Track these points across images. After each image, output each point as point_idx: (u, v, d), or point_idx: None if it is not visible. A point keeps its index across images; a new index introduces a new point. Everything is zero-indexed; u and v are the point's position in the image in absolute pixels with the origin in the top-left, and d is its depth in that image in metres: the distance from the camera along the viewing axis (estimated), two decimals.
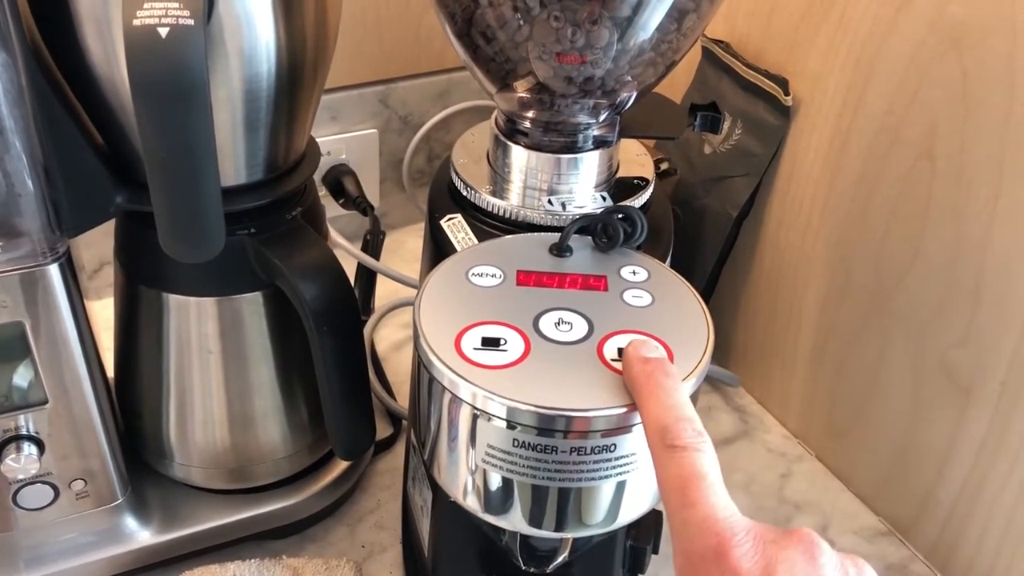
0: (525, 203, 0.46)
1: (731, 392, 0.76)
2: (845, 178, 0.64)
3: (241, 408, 0.58)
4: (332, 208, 0.86)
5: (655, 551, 0.55)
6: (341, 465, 0.65)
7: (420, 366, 0.39)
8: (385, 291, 0.83)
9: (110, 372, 0.58)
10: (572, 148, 0.45)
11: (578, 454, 0.36)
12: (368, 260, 0.79)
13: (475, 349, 0.37)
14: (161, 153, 0.41)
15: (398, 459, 0.70)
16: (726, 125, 0.68)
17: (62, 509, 0.55)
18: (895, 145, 0.59)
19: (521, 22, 0.41)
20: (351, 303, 0.54)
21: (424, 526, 0.55)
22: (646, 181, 0.48)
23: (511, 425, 0.36)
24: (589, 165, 0.46)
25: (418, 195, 0.93)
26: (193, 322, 0.55)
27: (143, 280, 0.55)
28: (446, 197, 0.48)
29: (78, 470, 0.54)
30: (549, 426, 0.35)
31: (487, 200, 0.46)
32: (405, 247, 0.93)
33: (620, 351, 0.38)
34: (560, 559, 0.47)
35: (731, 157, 0.69)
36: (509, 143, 0.46)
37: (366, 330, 0.79)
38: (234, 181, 0.51)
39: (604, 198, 0.46)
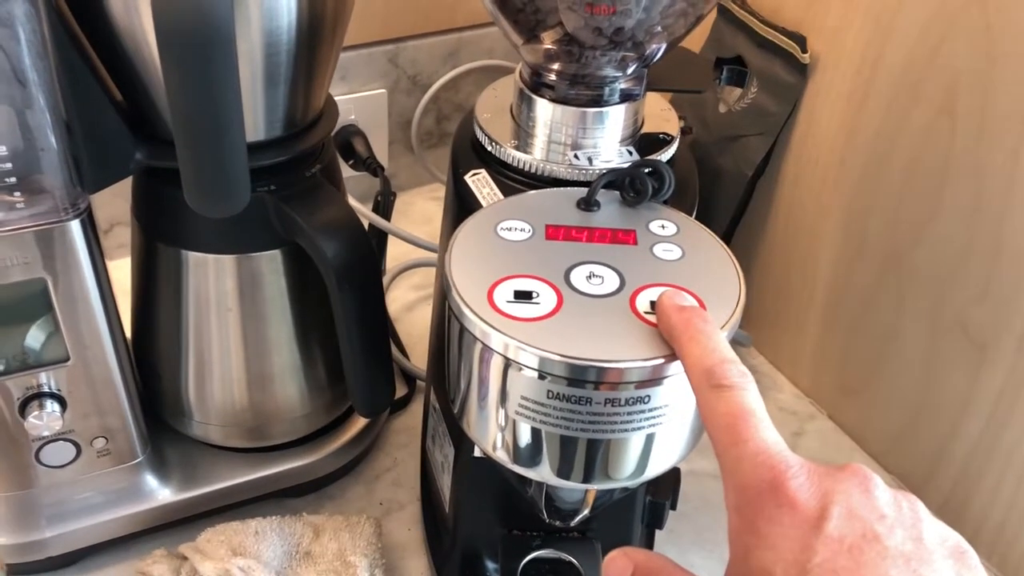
0: (550, 157, 0.46)
1: (743, 352, 0.76)
2: (862, 136, 0.63)
3: (259, 366, 0.58)
4: (342, 170, 0.85)
5: (673, 507, 0.56)
6: (358, 424, 0.65)
7: (450, 320, 0.39)
8: (396, 253, 0.83)
9: (127, 333, 0.58)
10: (598, 102, 0.45)
11: (612, 405, 0.36)
12: (379, 221, 0.79)
13: (508, 302, 0.37)
14: (187, 105, 0.41)
15: (413, 418, 0.70)
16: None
17: (83, 467, 0.55)
18: (915, 102, 0.59)
19: None
20: (372, 260, 0.54)
21: (445, 482, 0.55)
22: (671, 136, 0.47)
23: (546, 376, 0.36)
24: (615, 119, 0.46)
25: (427, 156, 0.93)
26: (212, 280, 0.55)
27: (161, 237, 0.54)
28: (469, 152, 0.48)
29: (99, 428, 0.55)
30: (584, 377, 0.35)
31: (512, 155, 0.46)
32: (414, 208, 0.93)
33: (653, 304, 0.38)
34: (583, 514, 0.48)
35: (746, 116, 0.69)
36: (534, 97, 0.46)
37: None
38: (253, 137, 0.51)
39: (630, 152, 0.46)
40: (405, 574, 0.59)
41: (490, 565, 0.56)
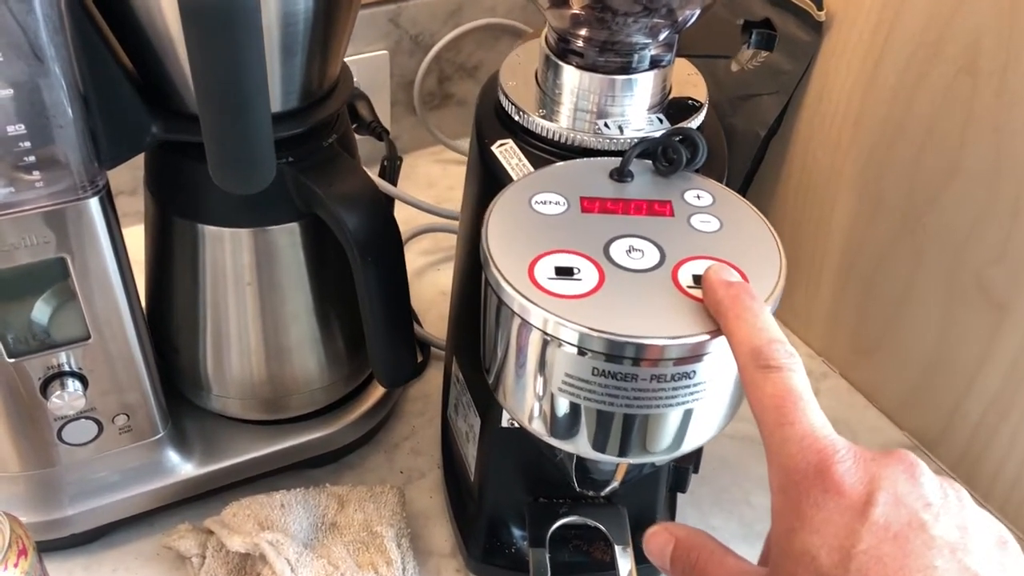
0: (578, 126, 0.45)
1: None
2: (879, 96, 0.63)
3: (277, 339, 0.57)
4: None
5: (695, 471, 0.56)
6: (376, 393, 0.65)
7: (487, 294, 0.39)
8: (402, 218, 0.81)
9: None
10: (627, 69, 0.44)
11: (658, 381, 0.36)
12: (386, 186, 0.78)
13: (550, 279, 0.37)
14: (213, 82, 0.40)
15: (428, 385, 0.70)
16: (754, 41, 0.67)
17: (105, 444, 0.55)
18: (933, 61, 0.59)
19: None
20: (394, 231, 0.53)
21: (470, 451, 0.55)
22: (700, 103, 0.47)
23: (588, 353, 0.35)
24: (644, 86, 0.45)
25: (430, 118, 0.91)
26: (229, 254, 0.54)
27: (177, 211, 0.53)
28: (494, 121, 0.47)
29: (120, 405, 0.54)
30: (633, 355, 0.35)
31: (540, 124, 0.45)
32: (418, 171, 0.92)
33: (695, 278, 0.37)
34: (613, 485, 0.48)
35: (759, 75, 0.68)
36: (561, 63, 0.45)
37: None
38: (275, 109, 0.50)
39: (660, 120, 0.45)
40: (429, 541, 0.59)
41: (516, 532, 0.56)
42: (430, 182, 0.90)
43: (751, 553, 0.36)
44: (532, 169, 0.44)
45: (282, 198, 0.52)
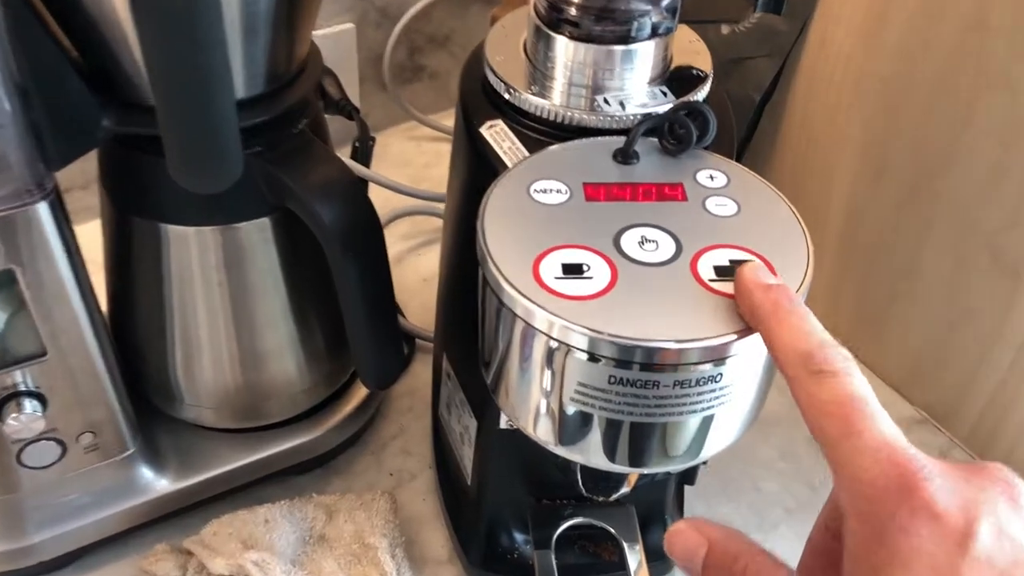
0: (574, 103, 0.41)
1: None
2: (882, 54, 0.59)
3: (252, 343, 0.53)
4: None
5: (704, 462, 0.53)
6: (361, 393, 0.61)
7: (486, 293, 0.35)
8: (377, 200, 0.77)
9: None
10: (626, 38, 0.40)
11: (681, 387, 0.33)
12: (360, 169, 0.73)
13: (557, 278, 0.33)
14: (168, 68, 0.35)
15: (415, 379, 0.66)
16: None
17: (70, 464, 0.51)
18: (940, 17, 0.55)
19: None
20: (374, 222, 0.49)
21: (466, 453, 0.52)
22: (705, 73, 0.43)
23: (602, 360, 0.32)
24: (645, 57, 0.41)
25: (401, 93, 0.87)
26: (195, 254, 0.49)
27: (135, 210, 0.49)
28: (481, 99, 0.43)
29: (85, 423, 0.50)
30: (656, 360, 0.31)
31: (533, 102, 0.41)
32: (391, 150, 0.87)
33: (717, 270, 0.34)
34: (623, 491, 0.45)
35: (752, 36, 0.64)
36: (553, 34, 0.41)
37: None
38: (239, 95, 0.45)
39: (664, 93, 0.41)
40: (425, 548, 0.56)
41: (518, 536, 0.53)
42: (405, 160, 0.86)
43: (764, 545, 0.32)
44: (526, 152, 0.40)
45: (251, 192, 0.48)
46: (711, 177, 0.38)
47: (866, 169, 0.63)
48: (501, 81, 0.42)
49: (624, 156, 0.39)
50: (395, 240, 0.77)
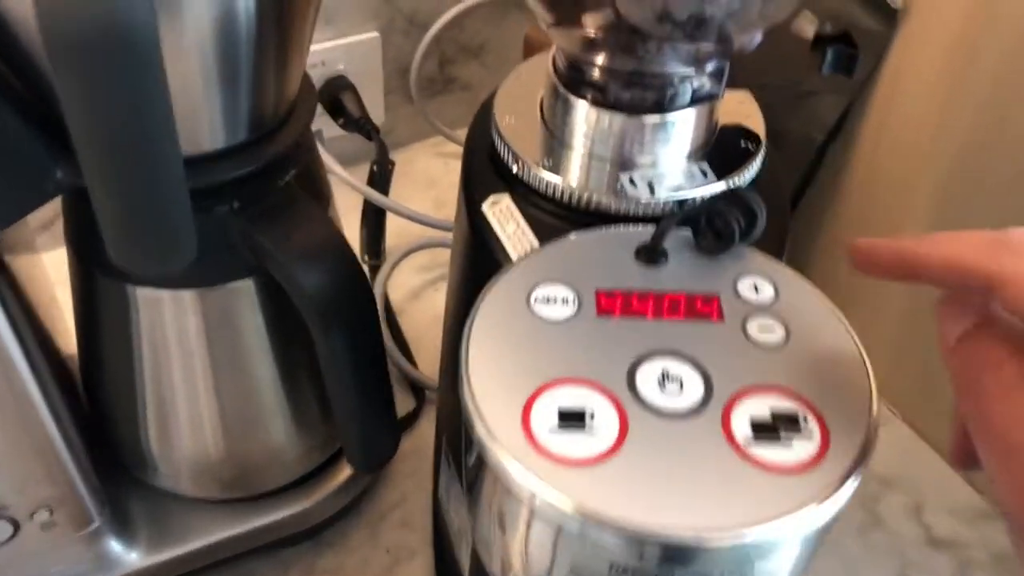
0: (594, 182, 0.34)
1: None
2: (967, 100, 0.51)
3: (236, 413, 0.47)
4: (330, 128, 0.73)
5: None
6: None
7: (469, 437, 0.29)
8: (396, 227, 0.71)
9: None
10: (661, 106, 0.33)
11: None
12: (376, 196, 0.67)
13: (551, 431, 0.26)
14: (96, 134, 0.29)
15: (421, 439, 0.60)
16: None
17: (25, 544, 0.46)
18: None
19: None
20: (364, 291, 0.42)
21: (464, 552, 0.46)
22: (756, 141, 0.35)
23: (611, 549, 0.25)
24: (684, 128, 0.34)
25: (429, 106, 0.80)
26: (169, 319, 0.44)
27: (103, 269, 0.43)
28: (487, 168, 0.36)
29: (39, 499, 0.45)
30: (668, 554, 0.25)
31: (544, 179, 0.34)
32: (415, 168, 0.81)
33: (755, 427, 0.27)
34: None
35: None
36: (572, 97, 0.34)
37: (379, 281, 0.68)
38: (210, 147, 0.39)
39: (704, 173, 0.34)
40: None
41: None
42: (430, 180, 0.80)
43: None
44: (533, 239, 0.33)
45: (231, 250, 0.42)
46: (755, 287, 0.31)
47: (941, 228, 0.55)
48: (509, 149, 0.35)
49: (649, 255, 0.32)
50: (412, 273, 0.71)
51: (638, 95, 0.33)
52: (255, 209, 0.41)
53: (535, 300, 0.30)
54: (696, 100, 0.33)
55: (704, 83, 0.33)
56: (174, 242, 0.33)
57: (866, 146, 0.58)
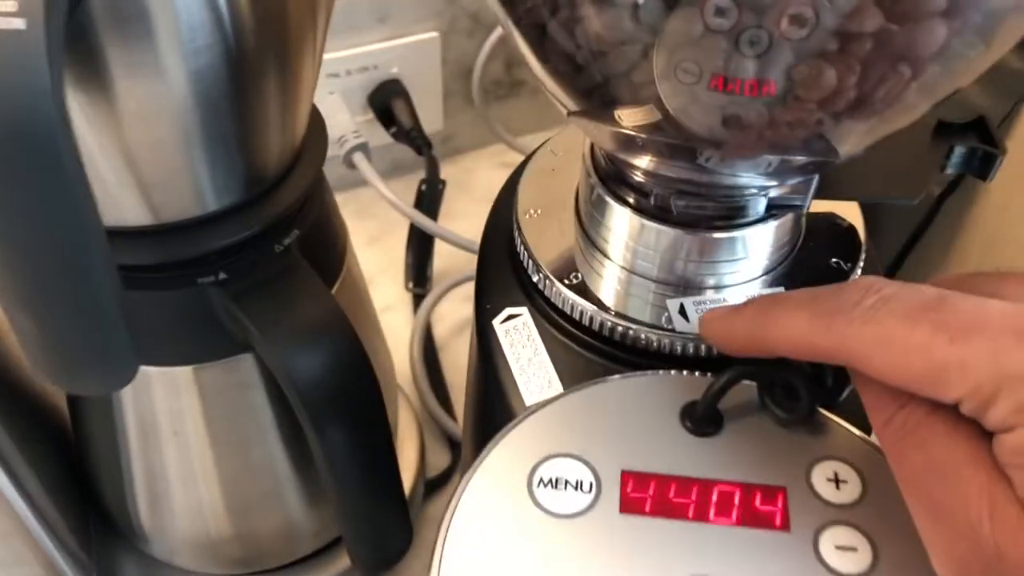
0: (635, 309, 0.27)
1: None
2: None
3: (241, 492, 0.42)
4: (380, 136, 0.67)
5: None
6: None
7: None
8: (445, 251, 0.64)
9: None
10: (729, 222, 0.25)
11: None
12: (423, 221, 0.60)
13: None
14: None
15: None
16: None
17: None
18: None
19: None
20: (368, 382, 0.36)
21: None
22: (853, 253, 0.27)
23: None
24: (758, 245, 0.26)
25: (492, 112, 0.73)
26: (159, 397, 0.38)
27: None
28: (505, 270, 0.29)
29: None
30: None
31: (571, 300, 0.27)
32: (476, 178, 0.74)
33: None
34: None
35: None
36: (611, 202, 0.26)
37: (421, 312, 0.61)
38: (194, 212, 0.33)
39: None
40: None
41: None
42: (489, 193, 0.72)
43: None
44: (552, 374, 0.26)
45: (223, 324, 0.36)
46: (835, 478, 0.23)
47: None
48: (529, 254, 0.28)
49: (699, 420, 0.24)
50: (459, 303, 0.64)
51: (696, 205, 0.25)
52: (245, 282, 0.35)
53: (539, 482, 0.23)
54: (773, 213, 0.25)
55: (785, 193, 0.25)
56: (104, 362, 0.27)
57: (992, 203, 0.48)
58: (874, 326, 0.20)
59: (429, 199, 0.62)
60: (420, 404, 0.57)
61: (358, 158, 0.60)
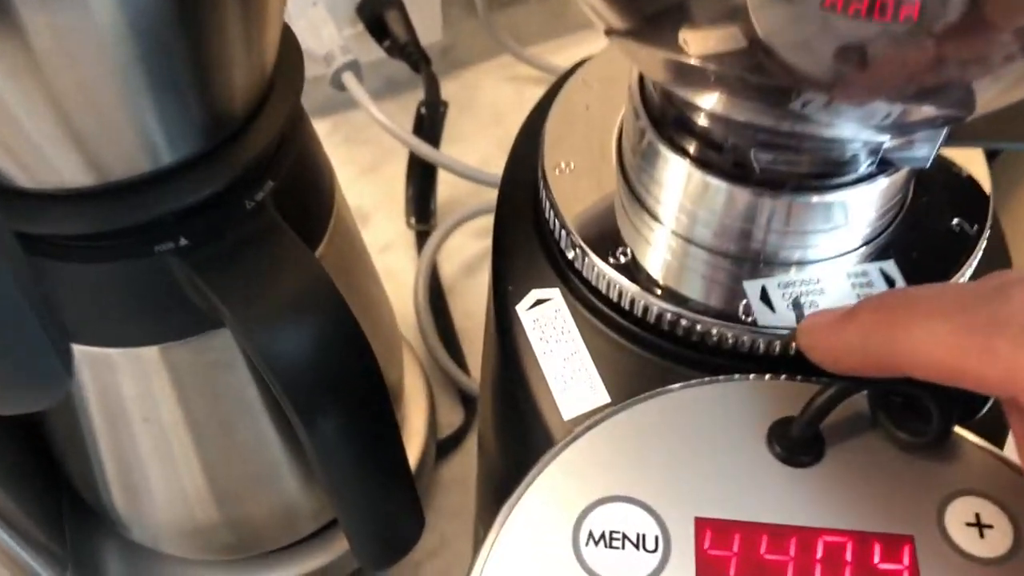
0: (697, 292, 0.21)
1: None
2: None
3: (228, 478, 0.38)
4: (372, 51, 0.60)
5: None
6: None
7: None
8: (450, 181, 0.58)
9: None
10: (825, 182, 0.19)
11: None
12: (424, 149, 0.54)
13: None
14: None
15: (470, 464, 0.49)
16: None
17: None
18: None
19: None
20: (364, 363, 0.30)
21: None
22: (982, 206, 0.21)
23: None
24: (862, 209, 0.20)
25: (497, 20, 0.65)
26: (124, 382, 0.33)
27: None
28: (531, 246, 0.23)
29: None
30: None
31: (615, 281, 0.21)
32: (482, 96, 0.67)
33: None
34: None
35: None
36: (668, 152, 0.20)
37: (426, 251, 0.55)
38: (145, 168, 0.27)
39: (888, 279, 0.20)
40: None
41: None
42: (496, 113, 0.66)
43: None
44: (595, 378, 0.21)
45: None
46: (977, 521, 0.18)
47: None
48: (561, 222, 0.22)
49: (792, 446, 0.18)
50: (468, 238, 0.58)
51: (783, 160, 0.19)
52: (207, 249, 0.29)
53: (588, 538, 0.18)
54: (883, 169, 0.19)
55: (901, 147, 0.19)
56: (28, 378, 0.21)
57: None
58: None
59: (430, 123, 0.55)
60: (427, 356, 0.52)
61: (348, 78, 0.53)
